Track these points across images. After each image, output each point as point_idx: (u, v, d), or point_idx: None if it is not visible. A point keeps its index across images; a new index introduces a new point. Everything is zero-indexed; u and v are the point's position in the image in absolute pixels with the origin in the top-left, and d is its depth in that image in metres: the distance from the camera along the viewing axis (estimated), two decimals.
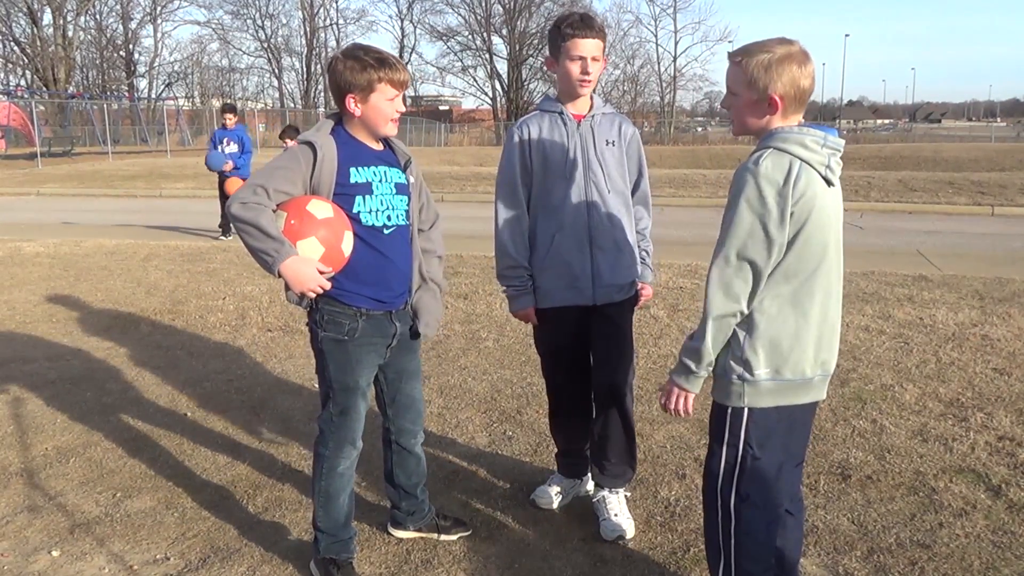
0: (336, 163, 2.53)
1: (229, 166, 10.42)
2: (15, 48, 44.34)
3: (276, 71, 55.13)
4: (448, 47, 51.53)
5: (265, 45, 53.77)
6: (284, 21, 72.34)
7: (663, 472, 3.58)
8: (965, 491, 3.34)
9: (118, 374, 4.97)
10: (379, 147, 2.67)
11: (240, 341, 5.68)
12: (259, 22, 53.05)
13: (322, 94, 55.96)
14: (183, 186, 18.55)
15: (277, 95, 56.02)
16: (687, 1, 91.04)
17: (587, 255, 2.95)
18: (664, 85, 52.42)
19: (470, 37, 50.86)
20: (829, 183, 2.11)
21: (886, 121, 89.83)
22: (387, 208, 2.62)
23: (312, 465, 2.79)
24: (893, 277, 7.58)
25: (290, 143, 10.26)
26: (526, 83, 49.84)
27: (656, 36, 66.02)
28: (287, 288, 2.50)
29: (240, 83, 57.17)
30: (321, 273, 2.46)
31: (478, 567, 2.87)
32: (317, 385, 2.78)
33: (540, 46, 44.59)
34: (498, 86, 51.64)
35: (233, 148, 10.66)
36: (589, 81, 2.88)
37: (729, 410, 2.18)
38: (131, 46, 50.34)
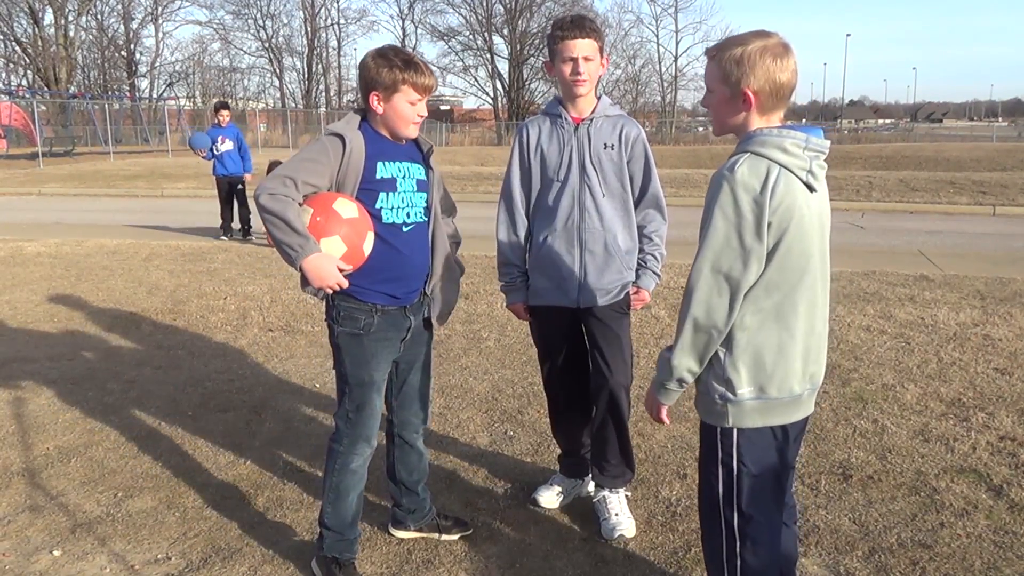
0: (364, 157, 2.57)
1: (203, 154, 10.65)
2: (16, 48, 44.37)
3: (277, 71, 55.18)
4: (449, 47, 51.63)
5: (266, 45, 53.81)
6: (285, 21, 72.37)
7: (664, 472, 3.58)
8: (966, 491, 3.34)
9: (119, 374, 4.97)
10: (403, 142, 2.71)
11: (241, 341, 5.68)
12: (260, 22, 53.13)
13: (323, 94, 56.06)
14: (184, 186, 18.56)
15: (278, 95, 56.06)
16: (688, 1, 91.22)
17: (575, 258, 2.99)
18: (665, 85, 52.44)
19: (471, 37, 50.93)
20: (811, 189, 1.96)
21: (887, 121, 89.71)
22: (408, 205, 2.67)
23: (324, 461, 2.80)
24: (894, 277, 7.57)
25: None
26: (527, 83, 49.91)
27: (657, 36, 66.21)
28: (304, 281, 2.54)
29: (241, 83, 57.23)
30: (340, 271, 2.49)
31: (479, 567, 2.87)
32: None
33: (541, 46, 44.61)
34: (499, 86, 51.72)
35: (229, 146, 10.55)
36: (582, 81, 2.89)
37: (718, 430, 2.08)
38: (132, 46, 50.41)
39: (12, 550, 3.00)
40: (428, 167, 2.77)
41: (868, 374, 4.82)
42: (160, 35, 52.35)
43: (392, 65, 2.54)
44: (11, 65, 45.96)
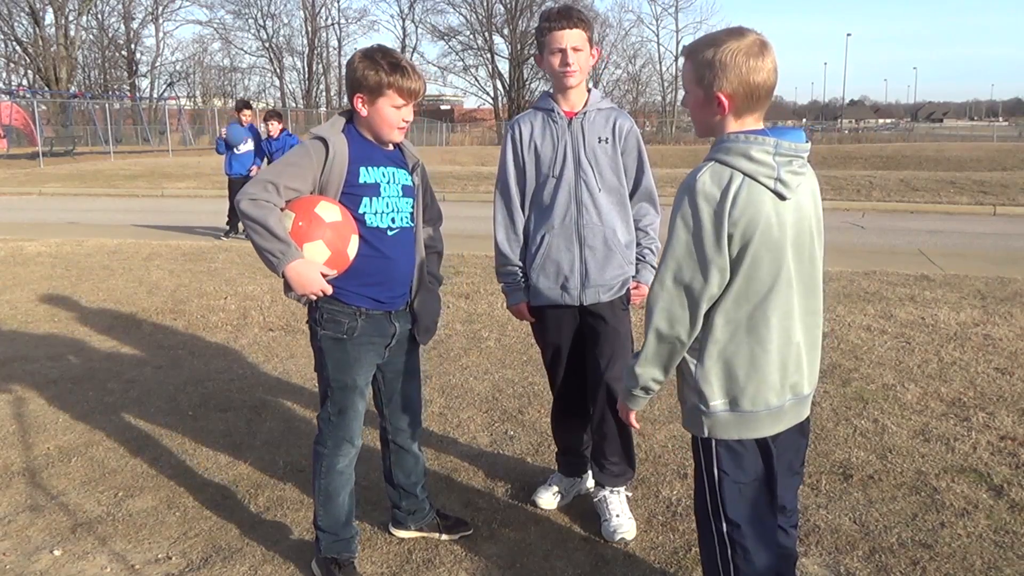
0: (347, 161, 2.53)
1: (244, 146, 10.41)
2: (17, 48, 44.41)
3: (278, 71, 55.24)
4: (450, 47, 51.69)
5: (267, 45, 53.90)
6: (286, 21, 72.31)
7: (664, 471, 3.58)
8: (967, 491, 3.34)
9: (120, 373, 4.97)
10: (389, 147, 2.67)
11: (242, 341, 5.68)
12: (261, 22, 53.23)
13: (323, 94, 56.07)
14: (185, 186, 18.57)
15: (279, 95, 56.07)
16: (688, 0, 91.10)
17: (576, 255, 2.95)
18: (666, 84, 52.48)
19: (471, 37, 50.99)
20: (782, 197, 1.88)
21: (888, 120, 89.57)
22: (392, 210, 2.63)
23: (311, 464, 2.80)
24: (895, 276, 7.57)
25: (273, 126, 10.26)
26: (527, 82, 49.90)
27: (658, 35, 66.69)
28: (288, 287, 2.51)
29: (242, 83, 57.30)
30: (324, 276, 2.47)
31: (479, 566, 2.87)
32: (316, 384, 2.78)
33: None
34: (500, 85, 51.77)
35: (250, 146, 10.48)
36: (572, 72, 2.85)
37: (699, 439, 2.06)
38: (133, 46, 50.50)
39: (12, 550, 3.00)
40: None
41: (868, 374, 4.82)
42: (160, 35, 52.45)
43: (378, 68, 2.48)
44: (12, 65, 46.03)
